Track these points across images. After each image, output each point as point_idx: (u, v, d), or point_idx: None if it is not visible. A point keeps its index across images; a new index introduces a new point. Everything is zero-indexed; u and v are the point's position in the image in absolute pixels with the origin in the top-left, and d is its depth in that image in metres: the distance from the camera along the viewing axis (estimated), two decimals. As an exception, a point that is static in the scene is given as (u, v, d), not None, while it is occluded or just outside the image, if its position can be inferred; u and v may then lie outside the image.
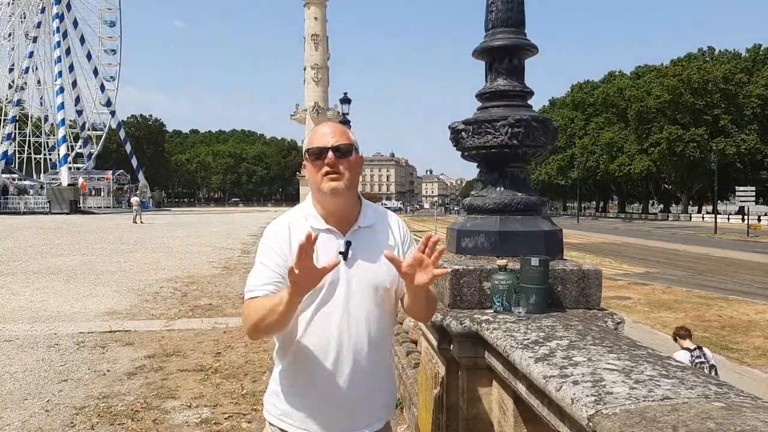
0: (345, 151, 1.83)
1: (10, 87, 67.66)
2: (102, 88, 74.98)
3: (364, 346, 1.83)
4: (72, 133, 70.45)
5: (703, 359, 5.66)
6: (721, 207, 63.69)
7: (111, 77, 75.16)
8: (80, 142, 73.04)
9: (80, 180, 61.60)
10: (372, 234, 1.90)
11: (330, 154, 1.80)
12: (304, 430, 1.83)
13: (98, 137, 75.72)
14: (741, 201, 41.29)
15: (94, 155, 74.49)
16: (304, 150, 1.92)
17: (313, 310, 1.80)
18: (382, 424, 1.96)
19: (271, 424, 1.91)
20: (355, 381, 1.83)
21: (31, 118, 73.44)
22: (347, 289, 1.81)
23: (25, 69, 67.24)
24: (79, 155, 72.29)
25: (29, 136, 72.32)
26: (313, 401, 1.83)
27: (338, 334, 1.80)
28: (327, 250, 1.80)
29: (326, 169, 1.80)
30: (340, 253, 1.81)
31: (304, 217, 1.89)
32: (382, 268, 1.84)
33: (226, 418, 4.52)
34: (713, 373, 5.22)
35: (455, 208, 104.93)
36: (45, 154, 72.99)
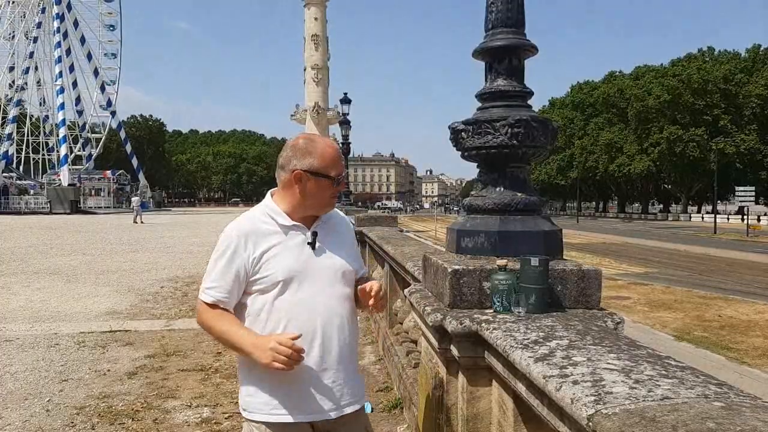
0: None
1: (10, 87, 67.68)
2: (102, 88, 75.05)
3: (345, 324, 2.00)
4: (72, 133, 70.43)
5: None
6: (720, 207, 63.68)
7: (111, 81, 75.14)
8: (80, 143, 73.04)
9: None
10: (332, 226, 2.09)
11: (342, 182, 2.05)
12: (301, 414, 1.90)
13: (98, 137, 75.72)
14: (741, 201, 41.32)
15: (94, 155, 74.52)
16: (315, 167, 1.95)
17: (292, 298, 1.91)
18: (363, 401, 2.10)
19: (260, 422, 1.92)
20: (342, 357, 1.97)
21: (32, 118, 73.45)
22: (318, 275, 1.96)
23: (25, 69, 67.28)
24: (79, 155, 72.26)
25: (29, 137, 72.33)
26: (304, 385, 1.91)
27: (322, 317, 1.93)
28: (295, 241, 1.97)
29: (336, 192, 2.02)
30: (308, 243, 1.98)
31: (266, 214, 2.00)
32: (345, 254, 2.07)
33: (226, 418, 4.52)
34: None
35: (455, 208, 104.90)
36: (45, 155, 73.01)
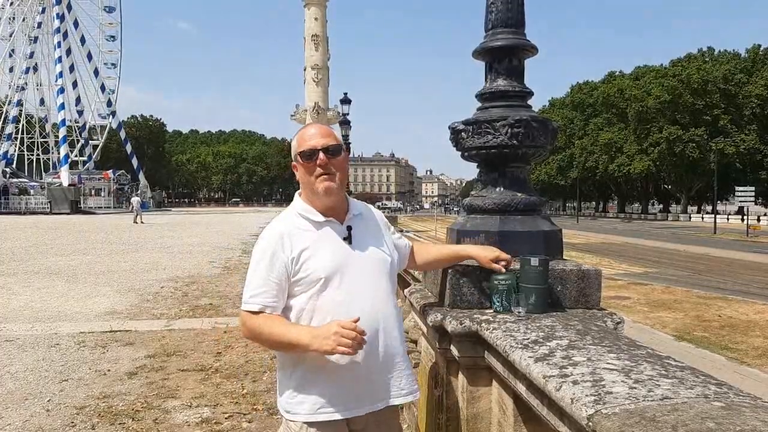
0: (335, 151, 1.93)
1: (10, 87, 67.67)
2: (102, 88, 75.07)
3: (389, 315, 1.97)
4: (72, 133, 70.43)
5: None
6: (720, 207, 63.67)
7: (111, 90, 75.11)
8: (81, 143, 73.02)
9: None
10: (363, 219, 2.05)
11: (321, 155, 1.90)
12: (347, 411, 1.89)
13: (99, 137, 75.69)
14: (740, 201, 41.31)
15: (94, 155, 74.49)
16: (294, 152, 1.98)
17: (334, 295, 1.88)
18: (417, 392, 2.07)
19: (303, 423, 1.89)
20: (391, 350, 1.95)
21: (32, 118, 73.43)
22: (359, 269, 1.93)
23: (25, 69, 67.29)
24: (80, 155, 72.25)
25: (29, 136, 72.32)
26: (354, 381, 1.88)
27: (369, 311, 1.89)
28: (331, 237, 1.94)
29: (319, 170, 1.90)
30: (344, 238, 1.94)
31: (298, 215, 1.97)
32: (381, 245, 2.04)
33: (226, 418, 4.52)
34: None
35: (455, 208, 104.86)
36: (45, 155, 73.00)
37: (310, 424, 1.88)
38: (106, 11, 74.40)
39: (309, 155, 1.91)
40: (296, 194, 2.05)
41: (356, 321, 1.75)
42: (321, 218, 1.93)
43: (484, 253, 2.34)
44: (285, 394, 1.96)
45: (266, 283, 1.88)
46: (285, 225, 1.96)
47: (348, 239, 1.94)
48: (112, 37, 75.33)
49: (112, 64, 75.94)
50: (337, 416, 1.87)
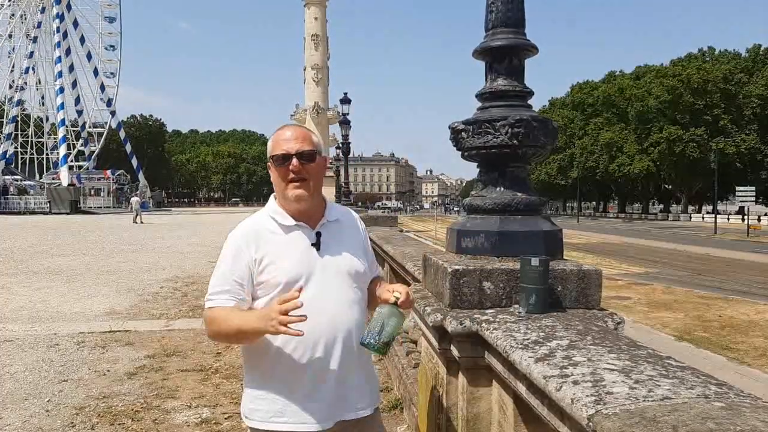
0: (309, 156, 1.87)
1: (10, 87, 67.68)
2: (102, 87, 75.11)
3: (351, 328, 1.89)
4: (72, 132, 70.47)
5: None
6: (721, 207, 63.70)
7: (111, 73, 75.19)
8: (80, 142, 73.04)
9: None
10: (339, 227, 1.99)
11: (294, 161, 1.85)
12: (301, 423, 1.83)
13: (98, 137, 75.71)
14: (741, 201, 41.33)
15: (94, 155, 74.50)
16: (268, 154, 1.93)
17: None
18: (373, 408, 1.99)
19: (261, 430, 1.87)
20: (347, 364, 1.87)
21: (32, 118, 73.46)
22: (324, 276, 1.87)
23: (25, 69, 67.30)
24: (79, 155, 72.26)
25: (29, 136, 72.35)
26: (306, 391, 1.83)
27: (327, 320, 1.83)
28: (298, 242, 1.89)
29: (291, 176, 1.85)
30: (312, 244, 1.89)
31: (269, 216, 1.94)
32: (354, 255, 1.96)
33: (226, 418, 4.52)
34: None
35: (455, 208, 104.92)
36: (45, 154, 73.01)
37: None
38: (107, 21, 74.49)
39: (282, 160, 1.85)
40: (272, 195, 2.02)
41: (297, 296, 1.68)
42: (290, 222, 1.89)
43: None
44: (244, 398, 1.96)
45: (227, 282, 1.86)
46: (253, 225, 1.94)
47: (316, 245, 1.89)
48: (112, 46, 75.51)
49: (112, 47, 76.00)
50: (289, 427, 1.82)
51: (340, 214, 2.03)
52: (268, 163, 1.94)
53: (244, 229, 1.94)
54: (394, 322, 1.77)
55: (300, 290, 1.72)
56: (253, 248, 1.87)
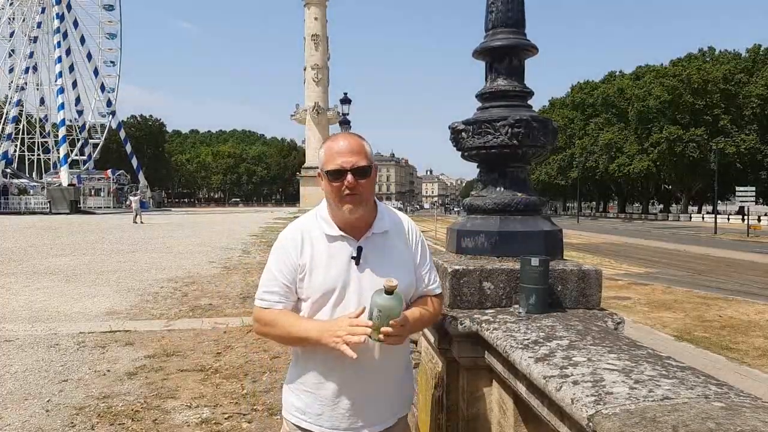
0: (365, 172, 1.83)
1: (10, 87, 67.67)
2: (102, 88, 75.07)
3: (376, 346, 1.86)
4: (72, 133, 70.43)
5: None
6: (721, 207, 63.64)
7: (111, 89, 75.20)
8: (80, 143, 73.01)
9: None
10: (385, 239, 1.93)
11: (350, 177, 1.80)
12: (317, 426, 1.88)
13: (98, 137, 75.69)
14: (741, 201, 41.29)
15: (94, 155, 74.47)
16: (320, 165, 1.89)
17: (331, 313, 1.86)
18: (395, 420, 1.99)
19: (293, 425, 1.93)
20: (373, 380, 1.88)
21: (32, 118, 73.43)
22: (360, 291, 1.85)
23: (25, 69, 67.25)
24: (79, 155, 72.23)
25: (29, 137, 72.30)
26: (330, 399, 1.87)
27: None
28: (339, 255, 1.87)
29: (347, 191, 1.81)
30: (352, 257, 1.86)
31: (317, 222, 1.93)
32: (396, 271, 1.86)
33: (226, 418, 4.52)
34: None
35: (455, 209, 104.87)
36: (45, 155, 72.98)
37: (298, 427, 1.91)
38: (105, 9, 74.44)
39: (337, 175, 1.81)
40: (323, 199, 1.98)
41: (360, 313, 1.75)
42: (335, 232, 1.87)
43: None
44: (285, 390, 2.01)
45: (276, 282, 1.88)
46: (303, 228, 1.92)
47: (356, 259, 1.86)
48: (112, 35, 75.34)
49: (111, 62, 76.01)
50: (306, 426, 1.88)
51: (390, 225, 1.96)
52: (319, 172, 1.91)
53: (292, 232, 1.94)
54: (387, 307, 1.76)
55: (361, 313, 1.75)
56: (299, 252, 1.87)
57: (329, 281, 1.84)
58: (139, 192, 61.81)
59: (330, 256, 1.86)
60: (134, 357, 6.22)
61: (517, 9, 2.76)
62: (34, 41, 67.67)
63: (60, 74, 66.17)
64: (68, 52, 70.75)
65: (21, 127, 70.12)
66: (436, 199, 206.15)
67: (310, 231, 1.91)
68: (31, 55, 67.67)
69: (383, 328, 1.76)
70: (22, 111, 69.58)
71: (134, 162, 76.48)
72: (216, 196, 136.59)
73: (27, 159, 72.55)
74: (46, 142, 73.28)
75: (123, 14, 75.67)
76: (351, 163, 1.80)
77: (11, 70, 68.73)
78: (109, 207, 63.77)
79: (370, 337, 1.76)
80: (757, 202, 47.03)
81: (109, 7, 74.63)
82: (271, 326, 1.88)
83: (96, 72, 74.44)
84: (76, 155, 71.28)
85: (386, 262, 1.89)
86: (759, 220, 46.80)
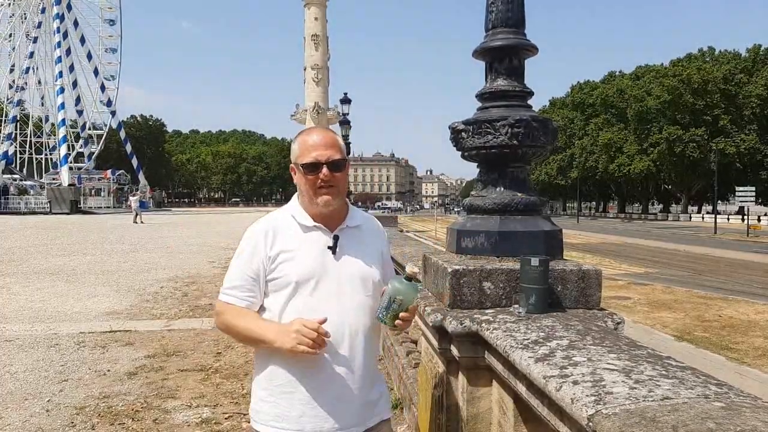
0: (339, 165, 1.88)
1: (10, 87, 67.62)
2: (102, 87, 74.99)
3: (359, 335, 1.88)
4: (72, 133, 70.42)
5: None
6: (721, 207, 63.70)
7: (111, 76, 75.18)
8: (81, 142, 72.96)
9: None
10: (359, 233, 1.97)
11: (325, 170, 1.85)
12: (298, 430, 1.82)
13: (99, 137, 75.60)
14: (741, 201, 41.31)
15: (94, 155, 74.39)
16: (294, 158, 1.93)
17: (305, 302, 1.83)
18: (382, 417, 1.97)
19: None
20: (353, 371, 1.86)
21: (32, 118, 73.41)
22: (338, 281, 1.86)
23: (25, 69, 67.19)
24: (79, 155, 72.18)
25: (30, 136, 72.29)
26: (309, 397, 1.82)
27: (334, 326, 1.81)
28: (314, 243, 1.88)
29: (321, 184, 1.85)
30: (329, 247, 1.88)
31: (289, 215, 1.94)
32: (371, 263, 1.94)
33: (226, 418, 4.52)
34: None
35: (455, 209, 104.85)
36: (46, 155, 72.96)
37: None
38: (108, 24, 74.41)
39: (312, 168, 1.84)
40: (295, 195, 2.01)
41: (322, 322, 1.73)
42: (310, 222, 1.89)
43: None
44: (252, 398, 1.98)
45: (242, 277, 1.87)
46: (273, 222, 1.93)
47: (333, 248, 1.88)
48: (112, 21, 75.17)
49: (112, 50, 75.81)
50: None
51: (362, 221, 2.01)
52: (292, 166, 1.93)
53: (263, 224, 1.94)
54: (408, 294, 1.81)
55: (323, 321, 1.73)
56: (269, 245, 1.87)
57: (306, 270, 1.84)
58: (138, 192, 61.82)
59: (305, 246, 1.87)
60: (134, 357, 6.22)
61: (517, 9, 2.77)
62: (34, 41, 67.61)
63: (60, 74, 66.14)
64: (68, 52, 70.68)
65: (21, 127, 70.10)
66: (436, 199, 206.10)
67: (281, 223, 1.92)
68: (31, 55, 67.62)
69: (402, 314, 1.80)
70: (22, 111, 69.55)
71: (134, 162, 76.45)
72: (216, 196, 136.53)
73: (27, 159, 72.52)
74: (47, 142, 73.25)
75: (123, 14, 75.51)
76: (326, 156, 1.85)
77: (11, 70, 68.70)
78: (109, 207, 63.73)
79: (384, 322, 1.79)
80: (756, 202, 47.02)
81: (111, 23, 74.59)
82: (231, 324, 1.87)
83: (96, 72, 74.35)
84: (76, 155, 71.24)
85: (361, 254, 1.93)
86: (759, 220, 46.79)
